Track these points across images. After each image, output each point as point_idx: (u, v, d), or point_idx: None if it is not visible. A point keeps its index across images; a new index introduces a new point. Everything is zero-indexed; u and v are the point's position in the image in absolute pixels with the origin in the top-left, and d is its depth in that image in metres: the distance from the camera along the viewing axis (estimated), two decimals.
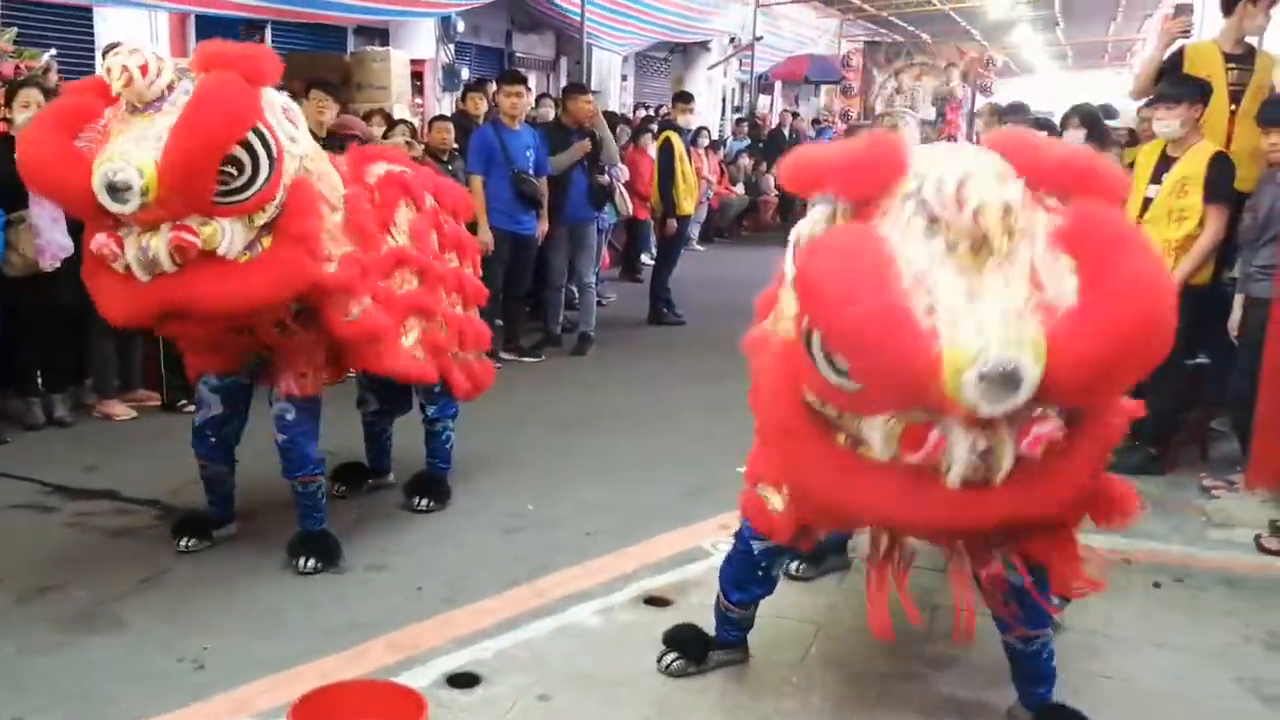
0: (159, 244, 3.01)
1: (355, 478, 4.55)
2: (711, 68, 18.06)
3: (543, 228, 7.01)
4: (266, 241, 3.16)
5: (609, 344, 7.66)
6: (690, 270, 9.21)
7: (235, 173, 3.04)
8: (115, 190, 2.92)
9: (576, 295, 7.80)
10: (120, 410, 5.55)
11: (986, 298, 1.97)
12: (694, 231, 12.46)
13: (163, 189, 2.94)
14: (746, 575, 2.98)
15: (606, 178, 7.55)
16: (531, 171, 6.80)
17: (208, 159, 2.97)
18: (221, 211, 3.05)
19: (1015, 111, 7.91)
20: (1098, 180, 2.15)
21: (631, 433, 5.53)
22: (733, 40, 18.03)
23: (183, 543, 3.82)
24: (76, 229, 5.02)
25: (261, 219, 3.15)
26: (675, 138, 8.82)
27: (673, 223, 8.76)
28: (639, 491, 4.60)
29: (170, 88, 3.08)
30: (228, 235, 3.07)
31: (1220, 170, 4.68)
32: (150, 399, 5.74)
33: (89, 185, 2.95)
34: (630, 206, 8.92)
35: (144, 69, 3.01)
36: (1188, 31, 5.24)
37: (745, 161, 15.40)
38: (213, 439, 3.77)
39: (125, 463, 4.81)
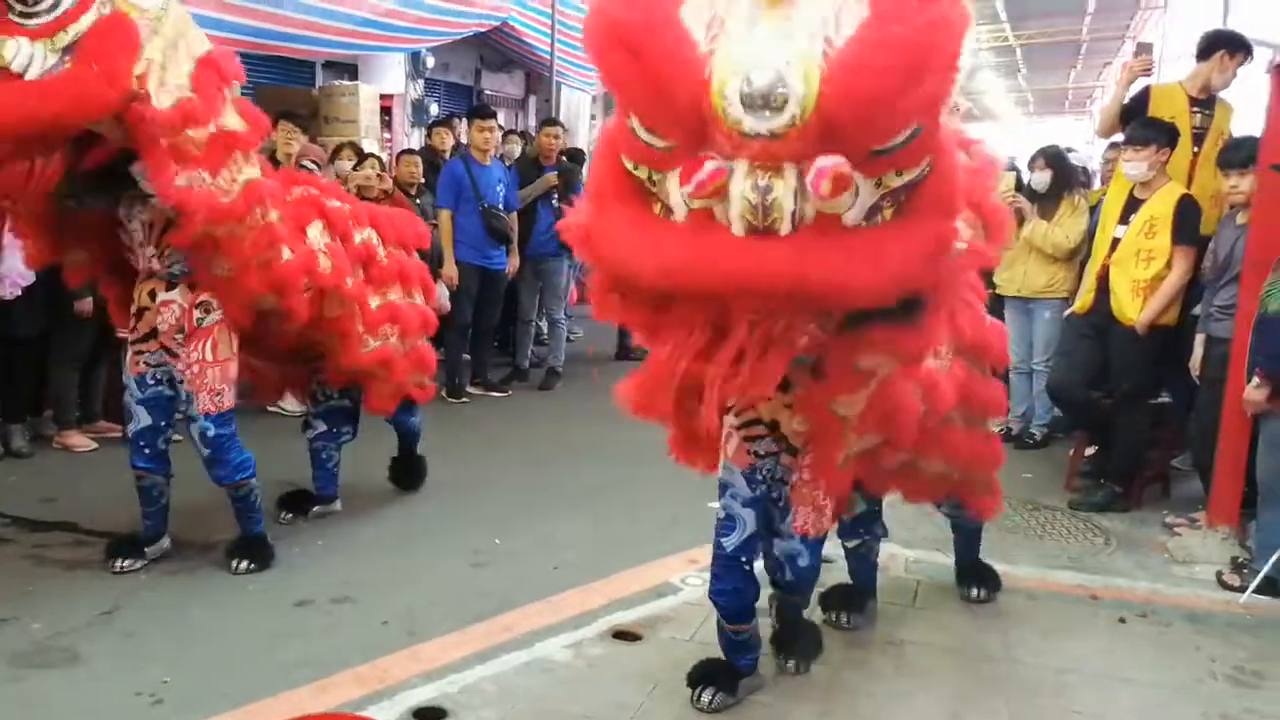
0: None
1: (301, 504, 4.54)
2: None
3: (513, 263, 7.01)
4: (68, 63, 3.03)
5: (577, 379, 7.64)
6: None
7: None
8: None
9: (545, 330, 7.79)
10: (80, 441, 5.45)
11: (770, 27, 1.93)
12: None
13: None
14: (729, 577, 2.99)
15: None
16: (501, 207, 6.82)
17: None
18: (20, 31, 2.94)
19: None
20: None
21: (599, 468, 5.50)
22: None
23: (118, 564, 3.85)
24: None
25: (63, 39, 3.01)
26: None
27: None
28: (607, 526, 4.57)
29: None
30: (27, 53, 2.94)
31: (1187, 212, 4.78)
32: (111, 430, 5.64)
33: None
34: None
35: None
36: (1149, 70, 5.36)
37: None
38: (146, 450, 3.80)
39: (84, 494, 4.71)
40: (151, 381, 3.76)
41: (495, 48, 12.90)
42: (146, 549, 3.93)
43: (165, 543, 4.00)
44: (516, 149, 8.55)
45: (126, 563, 3.86)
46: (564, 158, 7.94)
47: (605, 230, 2.20)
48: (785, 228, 1.97)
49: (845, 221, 2.02)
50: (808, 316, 2.36)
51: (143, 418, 3.77)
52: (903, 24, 1.87)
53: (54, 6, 2.98)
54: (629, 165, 2.14)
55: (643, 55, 1.94)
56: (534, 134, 8.72)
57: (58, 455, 5.36)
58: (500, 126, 7.83)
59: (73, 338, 5.40)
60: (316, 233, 3.99)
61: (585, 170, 10.96)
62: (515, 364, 7.58)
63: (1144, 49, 5.61)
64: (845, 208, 2.00)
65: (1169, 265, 4.79)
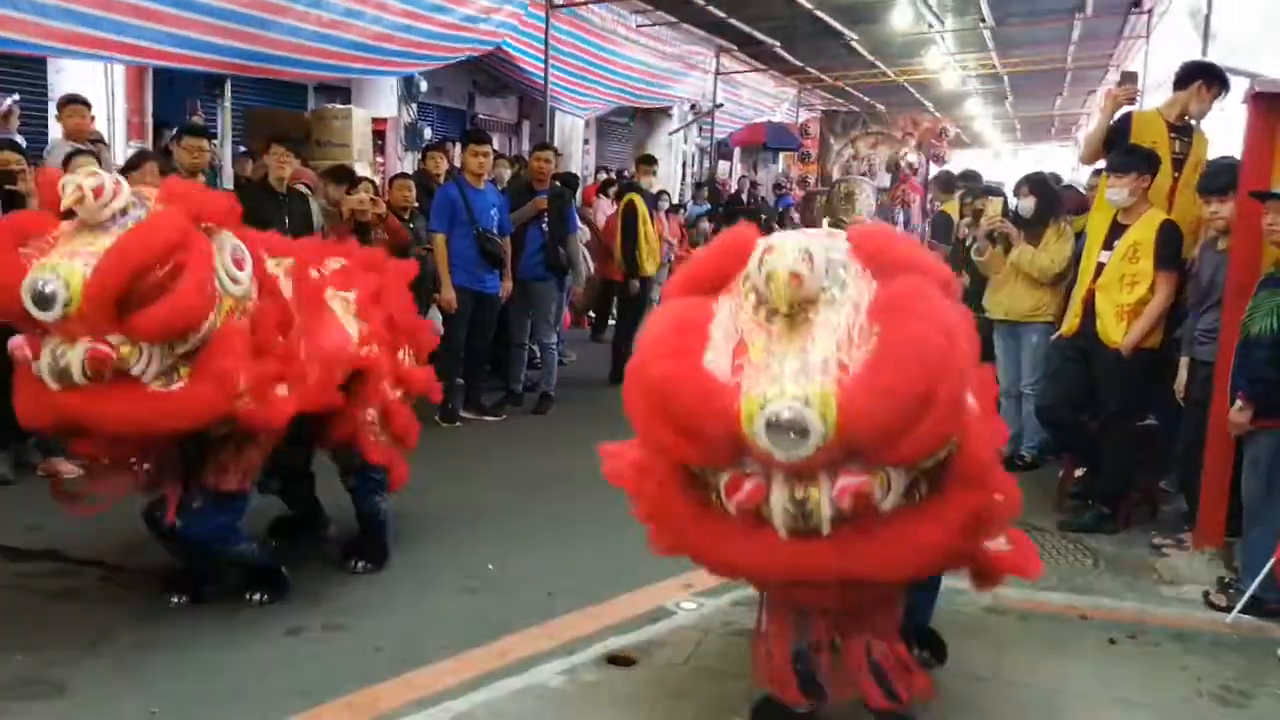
0: (74, 355, 3.04)
1: (291, 531, 4.52)
2: (672, 133, 18.34)
3: (506, 287, 7.05)
4: (184, 370, 3.19)
5: (570, 403, 7.66)
6: None
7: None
8: (41, 298, 2.99)
9: (539, 354, 7.82)
10: (66, 469, 5.41)
11: (789, 356, 2.20)
12: (656, 294, 12.56)
13: (86, 304, 2.99)
14: None
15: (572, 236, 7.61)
16: (495, 231, 6.85)
17: (124, 289, 3.03)
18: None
19: (968, 179, 8.13)
20: (919, 262, 2.39)
21: (593, 492, 5.46)
22: (693, 107, 18.35)
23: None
24: None
25: (182, 348, 3.17)
26: (639, 199, 8.93)
27: (635, 283, 8.84)
28: (601, 551, 4.58)
29: (123, 212, 3.17)
30: (145, 357, 3.11)
31: (1169, 237, 4.85)
32: None
33: (19, 291, 3.01)
34: (592, 266, 8.96)
35: (98, 191, 3.11)
36: (1133, 99, 5.45)
37: (706, 225, 15.59)
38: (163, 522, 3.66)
39: (70, 523, 4.66)
40: None
41: (489, 72, 13.00)
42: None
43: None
44: (506, 172, 8.61)
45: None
46: (557, 182, 7.99)
47: (670, 520, 2.55)
48: (825, 529, 2.23)
49: (882, 508, 2.25)
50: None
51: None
52: (908, 354, 2.13)
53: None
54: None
55: (675, 405, 2.24)
56: (527, 159, 8.77)
57: (42, 483, 5.31)
58: (495, 151, 7.87)
59: None
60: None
61: (578, 195, 11.05)
62: (509, 388, 7.60)
63: (1129, 78, 5.71)
64: (879, 500, 2.22)
65: (1152, 290, 4.85)
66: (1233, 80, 5.21)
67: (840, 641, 2.69)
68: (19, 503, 5.00)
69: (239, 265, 3.37)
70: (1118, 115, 5.33)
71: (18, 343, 3.13)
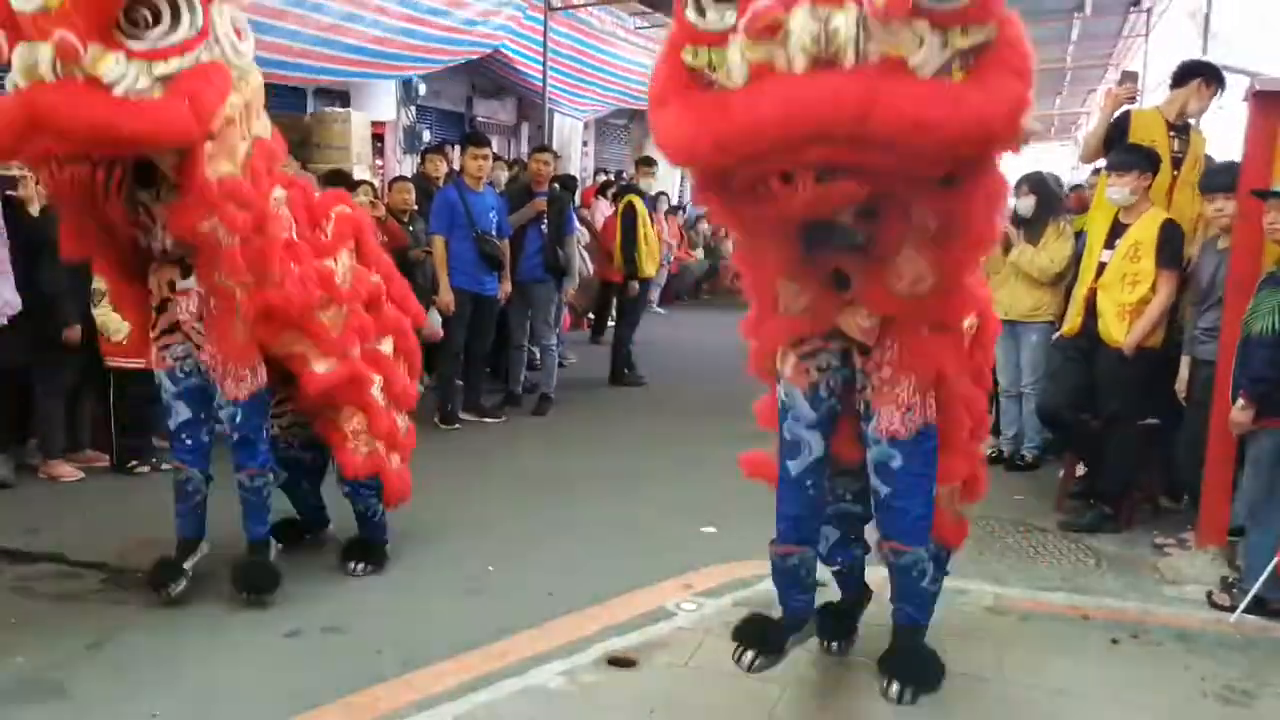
0: (45, 49, 2.91)
1: (293, 534, 4.51)
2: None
3: (505, 289, 7.04)
4: (158, 92, 3.07)
5: (570, 404, 7.66)
6: (651, 332, 9.29)
7: (151, 19, 3.04)
8: None
9: (538, 356, 7.82)
10: (67, 471, 5.44)
11: None
12: (655, 294, 12.57)
13: (72, 3, 2.89)
14: (793, 501, 2.92)
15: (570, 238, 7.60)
16: (494, 233, 6.85)
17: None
18: (122, 48, 2.99)
19: None
20: None
21: (593, 493, 5.51)
22: None
23: (170, 590, 3.80)
24: (24, 286, 5.00)
25: (161, 69, 3.07)
26: (638, 201, 8.93)
27: (634, 284, 8.83)
28: (601, 552, 4.57)
29: None
30: (121, 70, 2.98)
31: (1171, 236, 4.84)
32: (99, 459, 5.64)
33: None
34: (590, 267, 8.95)
35: None
36: (1133, 98, 5.45)
37: (705, 227, 15.60)
38: (189, 441, 3.85)
39: (71, 525, 4.70)
40: (182, 374, 3.79)
41: (488, 74, 13.00)
42: (185, 564, 3.86)
43: (204, 548, 3.96)
44: (503, 175, 8.60)
45: (176, 587, 3.81)
46: (556, 184, 7.99)
47: (667, 121, 2.17)
48: (849, 60, 1.91)
49: (911, 66, 1.95)
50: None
51: (181, 411, 3.83)
52: None
53: (163, 36, 3.06)
54: (688, 57, 2.15)
55: None
56: (526, 161, 8.77)
57: (43, 485, 5.35)
58: (494, 154, 7.87)
59: (59, 367, 5.41)
60: (344, 261, 4.06)
61: (577, 196, 11.06)
62: (508, 390, 7.59)
63: (1129, 77, 5.71)
64: (910, 53, 1.92)
65: (1154, 289, 4.84)
66: (1232, 79, 5.22)
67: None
68: (20, 505, 5.00)
69: (239, 34, 3.34)
70: (1117, 114, 5.33)
71: None
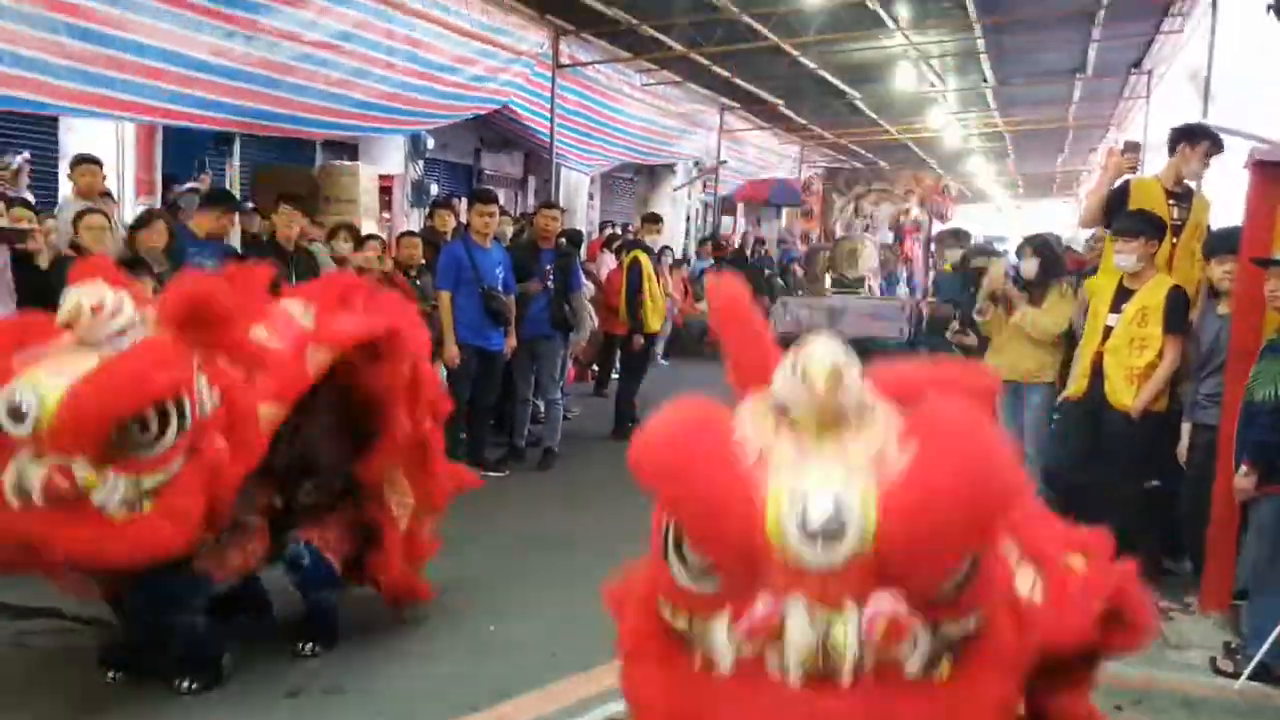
0: (35, 475, 2.97)
1: (232, 609, 4.22)
2: (677, 189, 18.51)
3: (510, 344, 7.08)
4: (147, 505, 3.09)
5: (574, 459, 7.66)
6: (655, 386, 9.30)
7: (141, 431, 3.05)
8: (14, 412, 2.95)
9: (542, 410, 7.83)
10: None
11: (823, 457, 1.87)
12: (659, 347, 12.62)
13: (56, 424, 2.93)
14: None
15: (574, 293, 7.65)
16: (500, 289, 6.90)
17: (105, 413, 2.98)
18: (114, 464, 3.03)
19: (956, 237, 8.17)
20: (955, 385, 2.07)
21: (595, 550, 5.49)
22: (698, 163, 18.55)
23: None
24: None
25: (149, 483, 3.09)
26: (644, 256, 8.99)
27: (639, 339, 8.87)
28: (604, 611, 4.54)
29: (121, 333, 3.14)
30: (109, 487, 3.02)
31: (1177, 303, 4.88)
32: None
33: None
34: (595, 321, 9.01)
35: (96, 309, 3.09)
36: (1135, 167, 5.51)
37: (708, 280, 15.67)
38: None
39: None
40: None
41: (495, 129, 13.17)
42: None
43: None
44: (509, 229, 8.68)
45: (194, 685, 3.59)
46: (562, 239, 8.06)
47: (647, 691, 2.01)
48: (846, 677, 1.79)
49: (906, 673, 1.84)
50: None
51: None
52: (955, 456, 1.80)
53: (151, 446, 3.07)
54: (667, 613, 2.00)
55: (695, 475, 1.84)
56: (532, 214, 8.87)
57: None
58: (501, 208, 7.96)
59: None
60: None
61: (583, 250, 11.14)
62: (512, 444, 7.60)
63: (1131, 147, 5.79)
64: (906, 657, 1.83)
65: (1161, 354, 4.86)
66: (1234, 142, 5.28)
67: None
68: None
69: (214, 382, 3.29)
70: (1118, 183, 5.39)
71: None
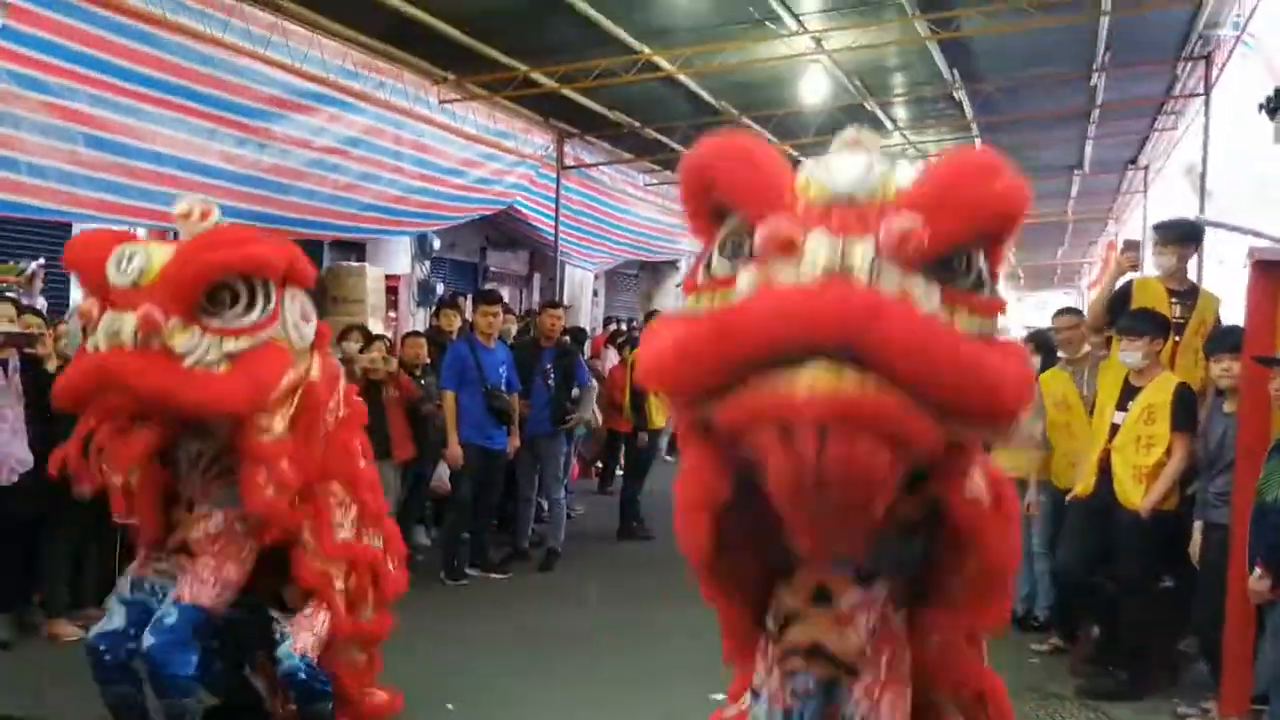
0: (129, 320, 3.16)
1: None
2: (680, 284, 18.69)
3: (513, 443, 7.06)
4: (225, 368, 3.27)
5: (577, 559, 7.57)
6: (660, 481, 9.24)
7: (230, 300, 3.30)
8: (122, 260, 3.23)
9: (546, 509, 7.77)
10: (69, 631, 5.35)
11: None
12: (663, 442, 12.58)
13: (159, 279, 3.20)
14: None
15: (575, 392, 7.65)
16: (504, 388, 6.92)
17: (205, 270, 3.26)
18: (199, 324, 3.25)
19: None
20: None
21: (601, 654, 5.40)
22: None
23: None
24: (37, 440, 5.04)
25: (231, 346, 3.28)
26: None
27: (644, 436, 8.85)
28: (606, 715, 4.45)
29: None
30: (194, 342, 3.22)
31: (1185, 400, 4.87)
32: (101, 617, 5.55)
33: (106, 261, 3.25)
34: (599, 418, 9.00)
35: (205, 213, 3.41)
36: (1136, 266, 5.56)
37: None
38: (108, 657, 3.53)
39: (67, 689, 4.57)
40: (148, 589, 3.66)
41: (501, 228, 13.35)
42: None
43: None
44: (513, 327, 8.74)
45: None
46: (566, 337, 8.10)
47: (649, 341, 1.91)
48: (862, 281, 1.76)
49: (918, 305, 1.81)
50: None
51: (117, 618, 3.61)
52: (971, 157, 1.95)
53: (238, 317, 3.33)
54: (691, 303, 1.96)
55: (735, 149, 1.93)
56: (537, 311, 8.93)
57: (43, 645, 5.25)
58: (505, 306, 8.02)
59: (68, 521, 5.39)
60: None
61: (588, 346, 11.19)
62: (515, 545, 7.53)
63: (1131, 246, 5.84)
64: (919, 293, 1.79)
65: (1169, 452, 4.83)
66: (1230, 238, 5.36)
67: None
68: (20, 667, 4.91)
69: (305, 319, 3.58)
70: (1120, 283, 5.44)
71: (87, 306, 3.29)
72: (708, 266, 1.93)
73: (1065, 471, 5.56)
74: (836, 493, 1.69)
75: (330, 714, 3.92)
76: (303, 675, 3.67)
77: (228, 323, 3.28)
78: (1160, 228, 5.55)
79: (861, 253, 1.73)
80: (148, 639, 3.44)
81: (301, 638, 3.68)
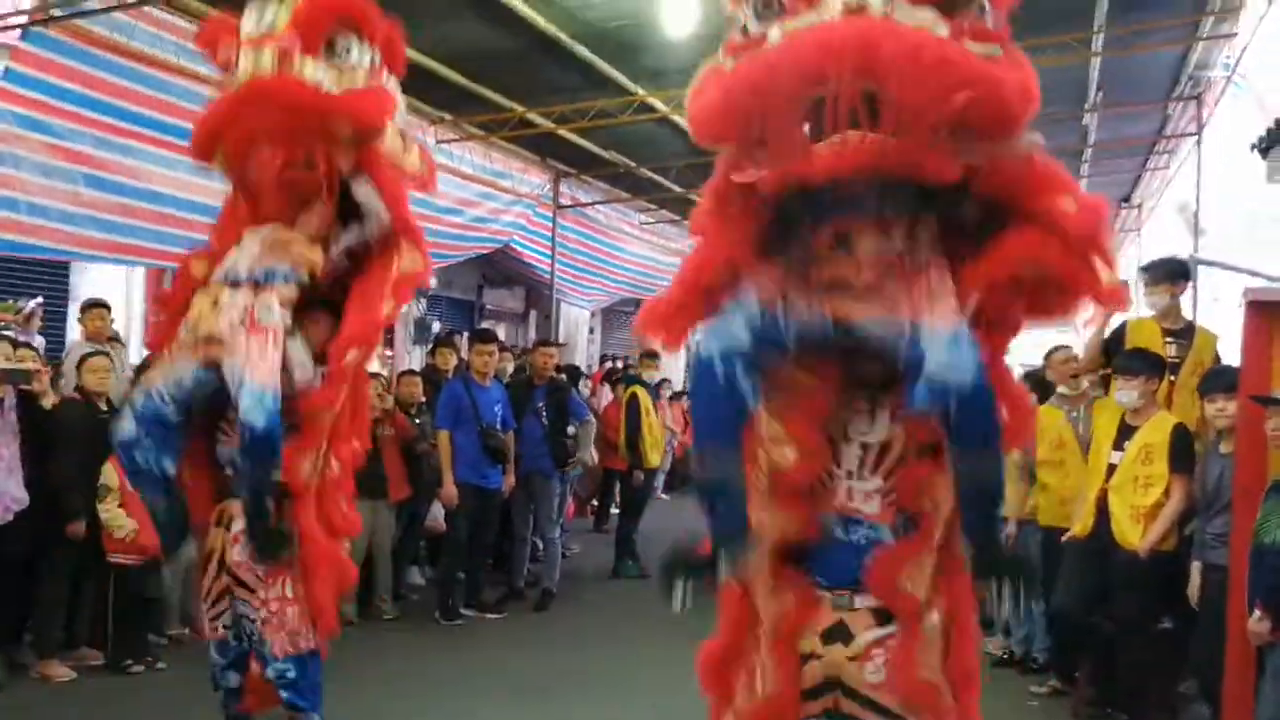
0: (267, 52, 3.46)
1: None
2: None
3: (509, 482, 7.04)
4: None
5: (572, 598, 7.52)
6: (655, 520, 9.21)
7: (345, 49, 3.58)
8: (257, 16, 3.52)
9: (541, 548, 7.73)
10: (60, 672, 5.30)
11: None
12: (659, 481, 12.55)
13: (291, 27, 3.48)
14: None
15: (573, 428, 7.64)
16: (499, 427, 6.91)
17: (327, 18, 3.55)
18: (325, 64, 3.53)
19: None
20: None
21: (595, 695, 5.35)
22: None
23: None
24: (32, 479, 5.03)
25: (346, 81, 3.55)
26: (642, 392, 9.03)
27: (639, 474, 8.83)
28: None
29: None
30: (320, 74, 3.50)
31: (1182, 440, 4.85)
32: (94, 657, 5.51)
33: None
34: (595, 456, 8.99)
35: None
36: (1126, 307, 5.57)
37: None
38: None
39: None
40: (234, 642, 3.78)
41: (497, 265, 13.41)
42: None
43: None
44: (510, 366, 8.74)
45: None
46: (562, 375, 8.10)
47: (697, 91, 2.27)
48: (877, 13, 2.01)
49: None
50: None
51: (231, 679, 3.83)
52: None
53: (352, 66, 3.61)
54: (728, 64, 2.24)
55: None
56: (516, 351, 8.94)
57: (35, 686, 5.19)
58: (501, 345, 8.03)
59: (61, 560, 5.36)
60: None
61: (585, 384, 11.19)
62: (510, 584, 7.48)
63: (1159, 273, 5.81)
64: (929, 27, 2.04)
65: (1167, 492, 4.82)
66: (1226, 276, 5.38)
67: None
68: (11, 710, 4.85)
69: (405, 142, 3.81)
70: (1115, 322, 5.45)
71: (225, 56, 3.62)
72: (744, 30, 2.20)
73: (1056, 510, 5.54)
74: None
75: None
76: (293, 674, 3.68)
77: (342, 67, 3.56)
78: (1148, 268, 5.60)
79: None
80: (280, 694, 3.71)
81: (277, 641, 3.67)
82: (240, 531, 3.66)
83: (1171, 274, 5.43)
